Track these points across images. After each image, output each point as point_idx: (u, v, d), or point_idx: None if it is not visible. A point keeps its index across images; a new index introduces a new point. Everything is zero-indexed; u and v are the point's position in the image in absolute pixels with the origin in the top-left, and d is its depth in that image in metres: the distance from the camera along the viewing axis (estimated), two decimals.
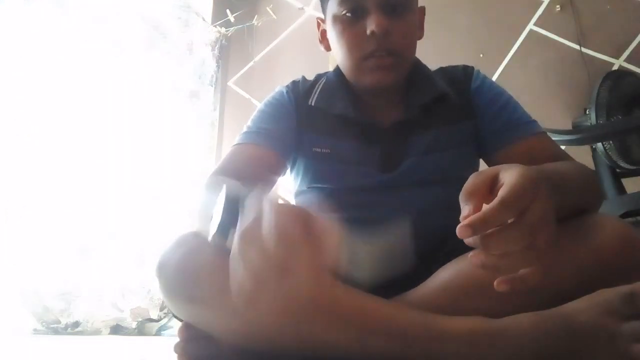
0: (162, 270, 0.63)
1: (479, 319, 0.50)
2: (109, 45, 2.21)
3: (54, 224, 1.91)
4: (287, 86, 0.92)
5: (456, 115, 0.83)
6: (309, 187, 0.84)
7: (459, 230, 0.41)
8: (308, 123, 0.85)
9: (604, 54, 2.01)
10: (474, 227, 0.40)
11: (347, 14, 0.76)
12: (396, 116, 0.83)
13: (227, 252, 0.43)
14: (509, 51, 2.21)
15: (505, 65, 2.21)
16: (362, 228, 0.60)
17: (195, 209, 0.68)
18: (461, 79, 0.88)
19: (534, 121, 0.85)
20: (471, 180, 0.46)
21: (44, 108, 1.92)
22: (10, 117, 1.79)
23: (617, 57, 1.98)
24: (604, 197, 0.71)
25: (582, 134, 1.65)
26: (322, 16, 0.87)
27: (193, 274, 0.59)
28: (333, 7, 0.78)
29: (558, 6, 2.14)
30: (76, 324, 1.90)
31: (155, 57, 2.45)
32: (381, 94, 0.83)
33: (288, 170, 0.90)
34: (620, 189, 1.55)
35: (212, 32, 2.84)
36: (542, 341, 0.45)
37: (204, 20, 2.80)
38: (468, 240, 0.42)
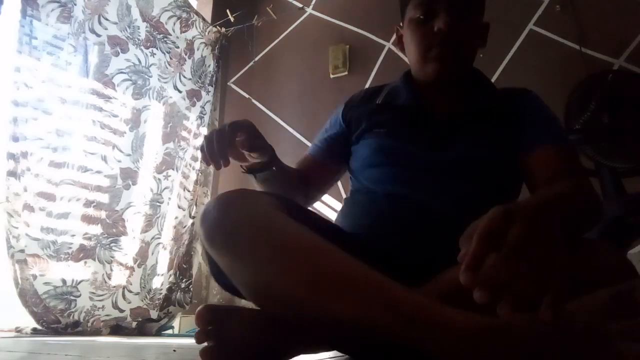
0: (204, 217, 0.69)
1: (481, 317, 0.51)
2: (109, 45, 2.22)
3: (54, 223, 1.91)
4: (362, 90, 1.12)
5: (503, 120, 0.93)
6: (363, 165, 0.98)
7: (461, 278, 0.46)
8: (370, 116, 1.00)
9: (604, 54, 2.01)
10: (469, 267, 0.46)
11: (421, 17, 0.92)
12: (451, 109, 0.95)
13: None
14: (509, 51, 2.21)
15: (505, 65, 2.21)
16: (402, 205, 0.84)
17: None
18: (517, 92, 0.99)
19: (565, 137, 0.92)
20: (471, 225, 0.52)
21: (46, 111, 1.92)
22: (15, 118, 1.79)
23: (617, 57, 1.98)
24: (601, 211, 0.77)
25: (581, 134, 1.65)
26: (397, 23, 1.05)
27: (232, 224, 0.65)
28: (410, 12, 0.95)
29: (558, 6, 2.14)
30: (76, 324, 1.90)
31: (155, 56, 2.45)
32: (440, 88, 0.96)
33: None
34: (620, 189, 1.55)
35: (212, 32, 2.84)
36: (538, 341, 0.47)
37: (204, 20, 2.80)
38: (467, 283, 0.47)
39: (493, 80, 2.20)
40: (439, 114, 0.94)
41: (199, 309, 0.69)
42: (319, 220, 0.85)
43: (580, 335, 0.45)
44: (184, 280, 2.41)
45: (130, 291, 2.18)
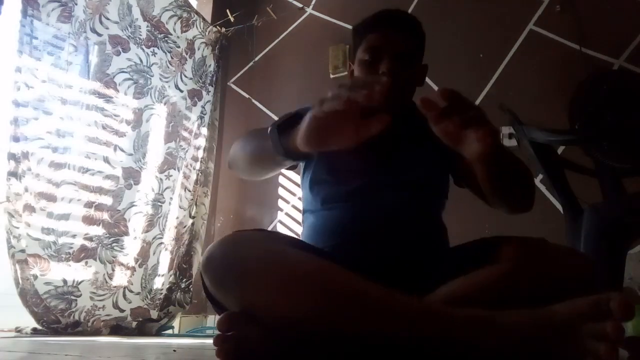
0: (210, 262, 0.73)
1: (478, 310, 0.60)
2: (110, 45, 2.22)
3: (54, 224, 1.91)
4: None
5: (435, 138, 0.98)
6: (316, 182, 1.05)
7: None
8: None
9: (604, 54, 2.02)
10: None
11: (368, 59, 1.02)
12: (392, 132, 0.98)
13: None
14: (509, 51, 2.21)
15: (505, 65, 2.21)
16: (360, 216, 0.95)
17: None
18: None
19: None
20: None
21: (43, 113, 1.92)
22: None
23: (617, 57, 1.98)
24: (532, 198, 0.89)
25: (581, 134, 1.65)
26: (351, 62, 1.13)
27: (240, 261, 0.70)
28: (360, 54, 1.05)
29: (558, 6, 2.14)
30: (76, 324, 1.90)
31: (156, 56, 2.45)
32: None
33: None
34: (620, 189, 1.55)
35: (212, 32, 2.84)
36: (529, 331, 0.56)
37: (204, 20, 2.80)
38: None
39: (493, 80, 2.21)
40: (382, 137, 0.98)
41: (221, 316, 0.72)
42: (309, 246, 0.92)
43: (562, 331, 0.54)
44: (184, 280, 2.41)
45: (131, 291, 2.18)
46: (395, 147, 1.04)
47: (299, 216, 2.50)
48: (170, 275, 2.37)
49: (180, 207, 2.50)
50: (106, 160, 2.14)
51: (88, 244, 2.03)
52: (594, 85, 1.74)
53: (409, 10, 2.43)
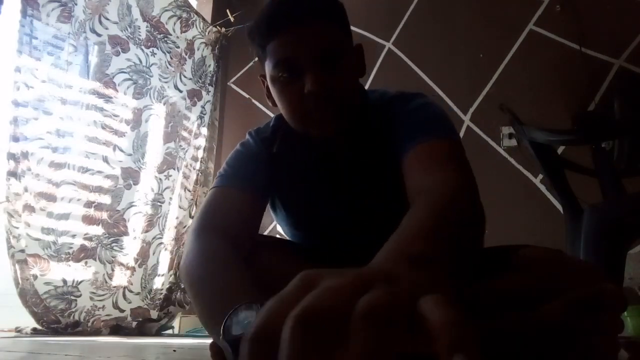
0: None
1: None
2: (110, 45, 2.22)
3: (54, 224, 1.91)
4: (253, 137, 0.94)
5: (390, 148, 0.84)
6: (282, 224, 0.96)
7: None
8: (276, 173, 0.89)
9: (604, 54, 2.02)
10: None
11: (284, 75, 0.77)
12: (350, 154, 0.88)
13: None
14: (509, 51, 2.22)
15: (505, 65, 2.21)
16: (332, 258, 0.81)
17: (189, 263, 0.73)
18: (396, 104, 0.87)
19: (442, 130, 0.78)
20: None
21: (43, 113, 1.92)
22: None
23: (617, 57, 1.98)
24: (482, 213, 0.59)
25: (581, 134, 1.65)
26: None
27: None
28: (269, 69, 0.79)
29: (558, 6, 2.14)
30: (76, 324, 1.90)
31: (155, 56, 2.45)
32: (332, 137, 0.83)
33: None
34: (620, 189, 1.55)
35: (212, 32, 2.84)
36: (523, 335, 0.53)
37: (204, 20, 2.80)
38: None
39: (493, 80, 2.21)
40: (342, 164, 0.88)
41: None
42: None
43: (560, 331, 0.52)
44: None
45: (130, 291, 2.18)
46: (353, 178, 0.87)
47: None
48: (170, 275, 2.37)
49: (180, 207, 2.50)
50: (105, 160, 2.14)
51: (88, 244, 2.03)
52: (592, 85, 1.74)
53: (409, 11, 2.42)
